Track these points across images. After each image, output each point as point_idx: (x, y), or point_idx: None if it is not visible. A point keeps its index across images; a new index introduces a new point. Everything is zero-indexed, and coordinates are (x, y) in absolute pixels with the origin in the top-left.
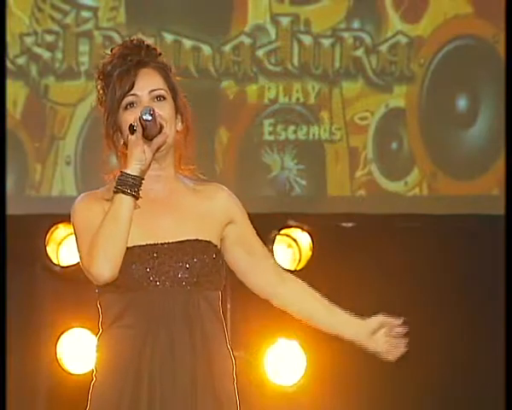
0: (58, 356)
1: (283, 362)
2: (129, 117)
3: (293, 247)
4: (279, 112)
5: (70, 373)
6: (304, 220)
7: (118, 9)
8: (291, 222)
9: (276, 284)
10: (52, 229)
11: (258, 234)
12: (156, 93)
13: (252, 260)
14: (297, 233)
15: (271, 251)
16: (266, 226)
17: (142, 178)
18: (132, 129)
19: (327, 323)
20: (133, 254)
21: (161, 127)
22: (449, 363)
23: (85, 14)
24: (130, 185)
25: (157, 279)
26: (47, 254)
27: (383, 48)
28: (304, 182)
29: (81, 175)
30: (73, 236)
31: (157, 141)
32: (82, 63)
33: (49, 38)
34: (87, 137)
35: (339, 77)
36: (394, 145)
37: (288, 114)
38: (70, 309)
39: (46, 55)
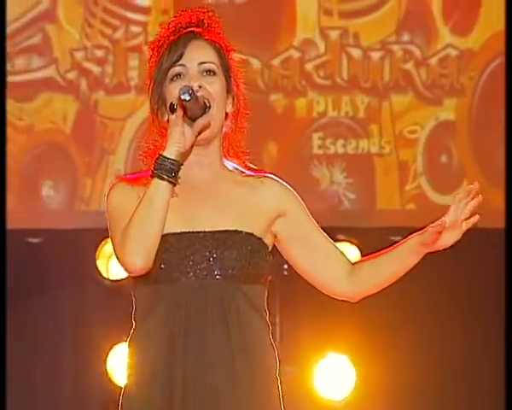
0: (108, 370)
1: (333, 377)
2: (173, 89)
3: None
4: (328, 125)
5: (120, 387)
6: (353, 234)
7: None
8: (340, 236)
9: (345, 279)
10: (102, 243)
11: None
12: (206, 66)
13: (313, 256)
14: (346, 247)
15: None
16: None
17: (181, 163)
18: (172, 107)
19: (401, 269)
20: (166, 243)
21: (205, 107)
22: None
23: (135, 28)
24: (167, 170)
25: (189, 270)
26: (97, 269)
27: (433, 61)
28: (353, 196)
29: None
30: None
31: (200, 122)
32: (131, 78)
33: (99, 53)
34: (137, 151)
35: (388, 90)
36: (444, 158)
37: (336, 127)
38: (120, 323)
39: (96, 69)
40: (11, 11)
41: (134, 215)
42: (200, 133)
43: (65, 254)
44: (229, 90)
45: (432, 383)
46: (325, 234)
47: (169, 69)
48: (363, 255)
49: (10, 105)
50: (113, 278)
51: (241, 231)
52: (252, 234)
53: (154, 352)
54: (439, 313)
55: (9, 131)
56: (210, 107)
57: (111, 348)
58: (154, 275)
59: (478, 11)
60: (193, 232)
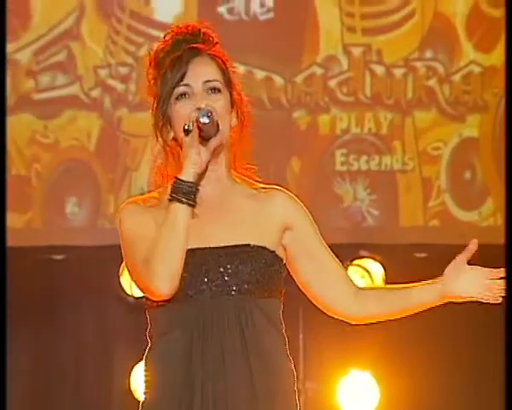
0: (132, 388)
1: (356, 393)
2: (180, 109)
3: (366, 278)
4: (351, 142)
5: None
6: (376, 251)
7: None
8: (363, 252)
9: (348, 301)
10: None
11: None
12: (211, 85)
13: (318, 274)
14: (369, 264)
15: None
16: (338, 257)
17: (198, 184)
18: (186, 130)
19: (408, 306)
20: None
21: (218, 126)
22: None
23: None
24: (186, 193)
25: (205, 287)
26: (120, 285)
27: (456, 77)
28: (376, 212)
29: None
30: None
31: (213, 143)
32: None
33: (123, 71)
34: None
35: (411, 107)
36: (468, 175)
37: (360, 144)
38: (143, 340)
39: (120, 87)
40: (36, 29)
41: (157, 243)
42: (213, 152)
43: (88, 270)
44: (232, 104)
45: (456, 399)
46: (332, 253)
47: (173, 88)
48: (386, 272)
49: (35, 123)
50: (136, 295)
51: (254, 245)
52: (264, 247)
53: (172, 369)
54: (463, 328)
55: (35, 149)
56: (220, 130)
57: (134, 365)
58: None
59: (501, 27)
60: (206, 248)
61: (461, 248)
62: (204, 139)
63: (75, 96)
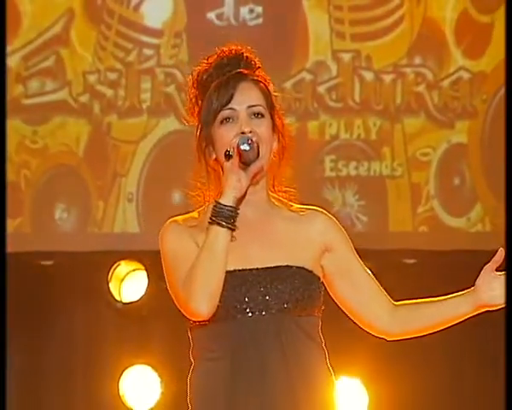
0: (120, 393)
1: (345, 401)
2: (224, 132)
3: None
4: (340, 148)
5: (132, 409)
6: (365, 256)
7: (179, 47)
8: None
9: (385, 318)
10: (114, 266)
11: None
12: (255, 109)
13: (356, 293)
14: None
15: None
16: None
17: (238, 209)
18: (228, 155)
19: (445, 318)
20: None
21: (259, 152)
22: None
23: (147, 51)
24: (226, 217)
25: (245, 307)
26: (109, 291)
27: (445, 83)
28: (365, 218)
29: (143, 212)
30: (135, 272)
31: (254, 168)
32: (144, 100)
33: (112, 76)
34: (149, 174)
35: (400, 113)
36: (456, 181)
37: (349, 150)
38: (132, 346)
39: (109, 92)
40: (25, 35)
41: (196, 264)
42: (254, 177)
43: (77, 276)
44: (274, 128)
45: (445, 405)
46: (369, 271)
47: (219, 112)
48: (375, 277)
49: (24, 128)
50: (125, 300)
51: (292, 266)
52: (303, 268)
53: (214, 389)
54: (452, 334)
55: (24, 155)
56: (259, 156)
57: (123, 370)
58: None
59: (490, 33)
60: (246, 270)
61: (449, 254)
62: (244, 164)
63: (64, 102)
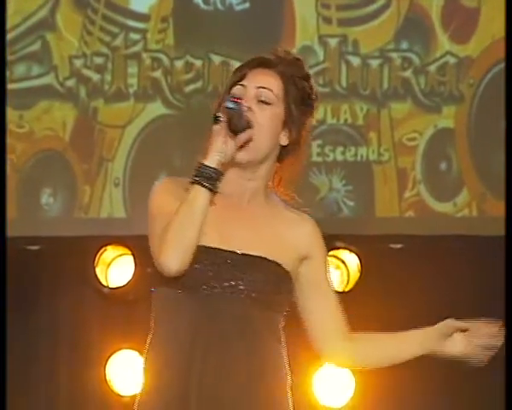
0: (107, 378)
1: (332, 384)
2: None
3: (342, 268)
4: (327, 133)
5: (119, 395)
6: (352, 242)
7: (166, 31)
8: (339, 243)
9: (335, 340)
10: (101, 251)
11: None
12: (264, 92)
13: (317, 307)
14: (345, 255)
15: None
16: None
17: (222, 173)
18: (216, 118)
19: (397, 356)
20: (200, 254)
21: (249, 124)
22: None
23: (134, 36)
24: (208, 178)
25: (217, 285)
26: (96, 276)
27: (432, 68)
28: (352, 203)
29: (130, 197)
30: (122, 257)
31: (241, 137)
32: (130, 85)
33: (98, 61)
34: (136, 158)
35: (387, 98)
36: (443, 166)
37: (335, 135)
38: (119, 331)
39: (95, 77)
40: (10, 19)
41: (173, 220)
42: (242, 147)
43: (64, 261)
44: (286, 123)
45: (432, 390)
46: (334, 293)
47: (230, 87)
48: (362, 263)
49: (10, 113)
50: (112, 285)
51: (271, 260)
52: (280, 265)
53: (172, 360)
54: (438, 319)
55: (10, 139)
56: (251, 127)
57: (110, 355)
58: (180, 281)
59: (477, 18)
60: (225, 251)
61: (436, 239)
62: (233, 133)
63: (50, 86)
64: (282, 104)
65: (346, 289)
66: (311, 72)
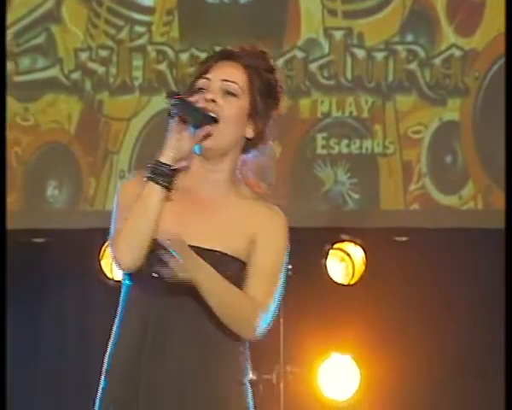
0: None
1: (337, 377)
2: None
3: (347, 261)
4: (332, 126)
5: None
6: (357, 234)
7: (171, 24)
8: (344, 236)
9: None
10: (106, 243)
11: (310, 248)
12: (228, 85)
13: (246, 283)
14: (350, 247)
15: (324, 266)
16: (319, 241)
17: (176, 169)
18: (171, 114)
19: None
20: (155, 246)
21: (210, 118)
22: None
23: (139, 29)
24: (162, 175)
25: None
26: (101, 269)
27: (437, 61)
28: (357, 196)
29: None
30: None
31: (199, 132)
32: (136, 78)
33: (104, 53)
34: (141, 151)
35: (392, 90)
36: (448, 159)
37: (341, 127)
38: None
39: (100, 70)
40: (16, 11)
41: (127, 217)
42: (201, 142)
43: (69, 254)
44: (251, 115)
45: (437, 382)
46: (268, 277)
47: (195, 81)
48: (367, 255)
49: (15, 105)
50: (117, 278)
51: (226, 254)
52: (237, 259)
53: (123, 348)
54: (443, 312)
55: (15, 132)
56: (216, 121)
57: None
58: (135, 272)
59: (482, 11)
60: None
61: (441, 232)
62: (195, 127)
63: (55, 79)
64: (247, 97)
65: (352, 282)
66: (316, 65)
